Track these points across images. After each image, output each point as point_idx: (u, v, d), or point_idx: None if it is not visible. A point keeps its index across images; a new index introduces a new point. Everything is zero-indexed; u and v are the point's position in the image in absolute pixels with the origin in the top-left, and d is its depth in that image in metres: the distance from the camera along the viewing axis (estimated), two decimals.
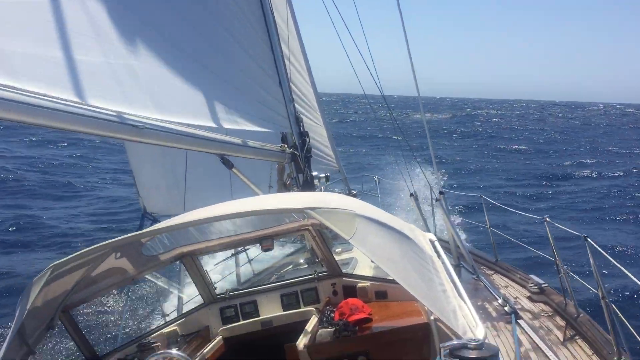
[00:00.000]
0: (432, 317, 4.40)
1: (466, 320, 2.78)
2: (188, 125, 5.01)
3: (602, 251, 4.99)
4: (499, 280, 7.98)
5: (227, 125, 5.63)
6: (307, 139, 7.66)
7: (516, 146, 45.71)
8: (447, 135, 55.10)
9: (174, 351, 3.13)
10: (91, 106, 3.86)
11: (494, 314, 6.37)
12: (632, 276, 4.58)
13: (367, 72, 9.02)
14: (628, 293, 12.42)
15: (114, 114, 4.07)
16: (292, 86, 8.09)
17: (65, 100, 3.65)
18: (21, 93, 3.33)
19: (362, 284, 5.58)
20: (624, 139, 52.96)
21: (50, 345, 8.36)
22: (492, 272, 8.40)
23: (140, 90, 4.56)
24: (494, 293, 6.98)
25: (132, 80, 4.48)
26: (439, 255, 3.59)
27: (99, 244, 3.33)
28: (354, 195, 10.10)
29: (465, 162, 36.67)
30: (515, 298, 6.93)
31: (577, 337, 5.50)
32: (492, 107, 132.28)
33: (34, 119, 3.43)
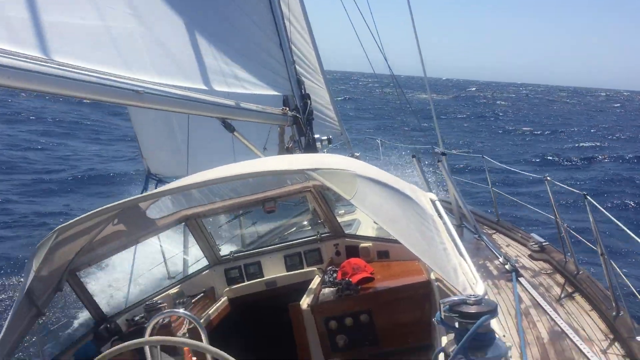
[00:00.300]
0: (432, 276, 4.47)
1: (466, 278, 2.82)
2: (189, 89, 5.00)
3: (602, 209, 5.02)
4: (500, 239, 8.06)
5: (227, 89, 5.61)
6: (309, 101, 7.62)
7: (524, 128, 45.41)
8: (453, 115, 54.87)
9: (181, 310, 3.20)
10: (91, 71, 3.84)
11: (495, 272, 6.46)
12: (630, 233, 4.61)
13: (371, 52, 9.12)
14: (626, 250, 12.54)
15: (114, 79, 4.05)
16: (293, 48, 8.00)
17: (65, 65, 3.64)
18: (19, 59, 3.31)
19: (364, 244, 5.65)
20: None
21: (59, 307, 8.53)
22: (493, 231, 8.48)
23: (140, 55, 4.53)
24: (495, 252, 7.07)
25: (131, 45, 4.44)
26: (439, 215, 3.61)
27: (104, 207, 3.36)
28: (357, 158, 10.11)
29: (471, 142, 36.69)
30: (516, 257, 7.02)
31: (576, 294, 5.59)
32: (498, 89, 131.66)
33: (33, 85, 3.41)
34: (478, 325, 2.25)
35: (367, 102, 64.76)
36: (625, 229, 4.66)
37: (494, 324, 2.39)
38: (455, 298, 2.45)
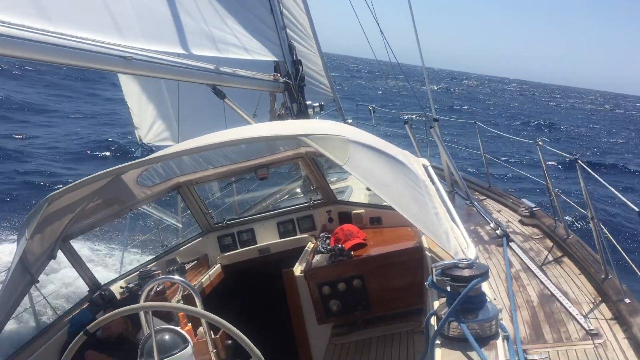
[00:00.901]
0: (424, 241, 4.50)
1: (458, 242, 2.84)
2: (179, 55, 4.92)
3: (593, 173, 5.03)
4: (492, 205, 8.11)
5: (217, 54, 5.52)
6: (301, 67, 7.55)
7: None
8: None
9: (176, 277, 3.21)
10: (77, 38, 3.74)
11: (486, 237, 6.52)
12: (621, 196, 4.62)
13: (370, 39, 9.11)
14: (618, 214, 12.60)
15: (101, 45, 3.95)
16: (285, 12, 7.89)
17: (50, 32, 3.55)
18: (4, 25, 3.23)
19: (356, 210, 5.67)
20: None
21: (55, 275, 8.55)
22: (484, 197, 8.53)
23: (129, 20, 4.41)
24: (486, 217, 7.12)
25: (119, 10, 4.34)
26: (432, 180, 3.62)
27: (95, 174, 3.34)
28: (349, 124, 10.08)
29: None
30: (507, 222, 7.08)
31: (565, 258, 5.66)
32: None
33: (18, 52, 3.33)
34: (470, 288, 2.28)
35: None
36: (616, 192, 4.67)
37: (484, 287, 2.42)
38: (447, 262, 2.47)
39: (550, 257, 5.72)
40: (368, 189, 7.95)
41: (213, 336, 2.87)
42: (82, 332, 2.25)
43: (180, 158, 5.25)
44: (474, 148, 11.13)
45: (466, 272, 2.36)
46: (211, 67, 5.42)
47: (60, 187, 3.33)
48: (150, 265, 5.05)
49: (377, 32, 9.65)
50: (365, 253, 4.78)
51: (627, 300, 4.36)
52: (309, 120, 6.62)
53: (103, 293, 4.49)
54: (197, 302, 2.71)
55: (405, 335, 4.31)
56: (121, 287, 4.77)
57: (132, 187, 4.69)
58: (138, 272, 4.86)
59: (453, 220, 3.16)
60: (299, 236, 5.74)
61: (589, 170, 5.05)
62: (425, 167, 3.86)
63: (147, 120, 10.28)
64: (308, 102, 7.92)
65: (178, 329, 2.62)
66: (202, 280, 4.93)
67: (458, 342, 2.23)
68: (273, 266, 5.12)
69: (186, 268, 5.26)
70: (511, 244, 6.16)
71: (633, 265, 4.58)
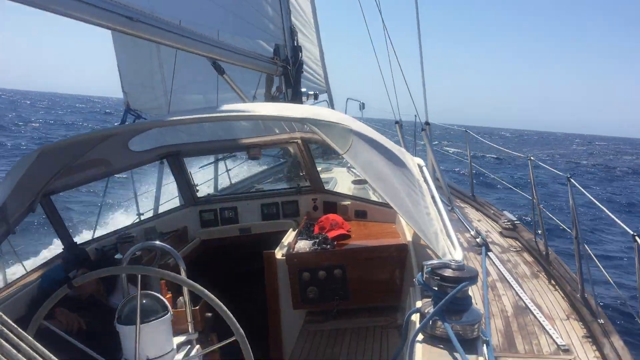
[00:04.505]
0: (409, 239, 4.51)
1: (446, 244, 2.85)
2: (180, 22, 4.82)
3: (586, 192, 5.05)
4: (473, 214, 8.17)
5: (220, 28, 5.46)
6: (300, 54, 7.52)
7: None
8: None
9: (158, 242, 3.16)
10: None
11: (465, 244, 6.55)
12: (615, 218, 4.58)
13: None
14: (605, 236, 12.51)
15: (108, 1, 3.86)
16: None
17: None
18: None
19: (343, 202, 5.66)
20: None
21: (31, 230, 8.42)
22: (467, 205, 8.59)
23: None
24: (466, 225, 7.16)
25: None
26: (425, 180, 3.62)
27: (88, 132, 3.28)
28: None
29: None
30: (486, 232, 7.12)
31: (542, 273, 5.71)
32: None
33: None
34: (459, 289, 2.28)
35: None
36: (609, 212, 4.68)
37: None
38: (439, 261, 2.47)
39: (527, 270, 5.77)
40: (353, 183, 7.97)
41: (192, 307, 2.83)
42: (65, 285, 2.21)
43: (174, 128, 5.18)
44: (463, 157, 11.18)
45: (457, 274, 2.36)
46: (216, 40, 5.35)
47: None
48: (128, 231, 4.98)
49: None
50: (349, 244, 4.77)
51: (601, 321, 4.42)
52: (313, 106, 6.62)
53: (77, 252, 4.42)
54: (182, 272, 2.67)
55: (379, 330, 4.31)
56: (96, 249, 4.70)
57: (122, 150, 4.61)
58: (116, 235, 4.79)
59: (443, 222, 3.16)
60: (281, 220, 5.72)
61: (582, 189, 5.07)
62: (420, 167, 3.86)
63: (137, 86, 10.16)
64: (303, 89, 7.90)
65: (159, 295, 2.58)
66: (181, 251, 4.88)
67: (439, 341, 2.23)
68: (252, 247, 5.09)
69: (165, 238, 5.20)
70: (490, 253, 6.20)
71: (615, 286, 4.62)
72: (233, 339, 2.27)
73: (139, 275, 2.45)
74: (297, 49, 7.47)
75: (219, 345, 2.45)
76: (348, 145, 3.02)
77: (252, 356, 2.23)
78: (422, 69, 8.43)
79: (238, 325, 2.25)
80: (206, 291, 2.29)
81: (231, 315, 2.24)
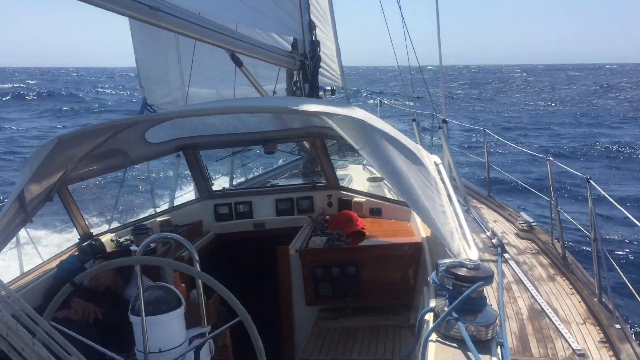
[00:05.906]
0: (424, 238, 4.47)
1: (461, 243, 2.82)
2: (199, 14, 4.82)
3: (606, 194, 4.96)
4: (489, 214, 8.08)
5: (238, 21, 5.45)
6: (318, 49, 7.50)
7: None
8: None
9: (173, 234, 3.16)
10: None
11: (480, 245, 6.48)
12: (634, 219, 4.51)
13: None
14: (625, 239, 12.21)
15: None
16: None
17: None
18: None
19: (357, 199, 5.63)
20: None
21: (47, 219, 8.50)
22: (483, 205, 8.50)
23: None
24: (482, 226, 7.08)
25: None
26: (441, 178, 3.59)
27: (106, 122, 3.28)
28: None
29: None
30: (502, 233, 7.04)
31: (559, 276, 5.63)
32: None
33: None
34: (474, 289, 2.25)
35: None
36: (630, 216, 4.59)
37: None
38: (454, 260, 2.44)
39: (543, 273, 5.69)
40: (369, 180, 7.93)
41: (205, 300, 2.82)
42: (68, 283, 2.20)
43: (190, 120, 5.18)
44: (480, 156, 11.08)
45: (472, 273, 2.33)
46: (236, 33, 5.34)
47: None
48: (144, 223, 5.00)
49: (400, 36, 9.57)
50: (363, 241, 4.74)
51: (618, 326, 4.35)
52: (330, 101, 6.57)
53: (93, 243, 4.45)
54: (196, 265, 2.66)
55: (392, 329, 4.29)
56: (112, 240, 4.73)
57: (139, 141, 4.63)
58: (131, 227, 4.81)
59: (458, 220, 3.13)
60: (296, 216, 5.70)
61: (602, 192, 4.98)
62: (437, 165, 3.82)
63: (154, 83, 10.21)
64: (320, 85, 7.89)
65: (173, 287, 2.57)
66: (195, 244, 4.89)
67: (453, 341, 2.21)
68: (265, 242, 5.09)
69: (180, 231, 5.21)
70: (505, 255, 6.13)
71: (634, 291, 4.54)
72: (238, 320, 2.24)
73: (148, 267, 2.44)
74: (315, 44, 7.45)
75: (225, 327, 2.42)
76: (365, 141, 2.99)
77: (259, 336, 2.20)
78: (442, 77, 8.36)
79: (243, 308, 2.22)
80: (216, 282, 2.28)
81: (246, 312, 2.22)
